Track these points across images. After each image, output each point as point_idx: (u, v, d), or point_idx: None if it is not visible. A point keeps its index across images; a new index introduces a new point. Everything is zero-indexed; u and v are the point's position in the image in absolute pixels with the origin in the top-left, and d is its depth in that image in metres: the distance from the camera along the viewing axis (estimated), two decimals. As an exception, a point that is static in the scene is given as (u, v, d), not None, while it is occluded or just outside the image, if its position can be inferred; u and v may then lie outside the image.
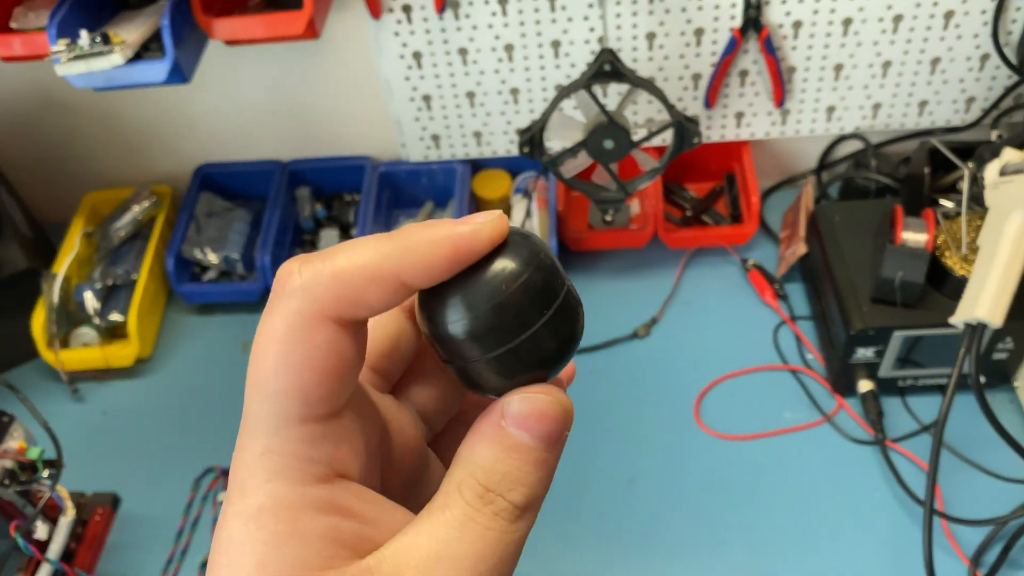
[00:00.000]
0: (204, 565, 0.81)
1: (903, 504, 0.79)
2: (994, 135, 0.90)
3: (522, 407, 0.23)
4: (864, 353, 0.82)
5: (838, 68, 0.94)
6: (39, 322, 0.94)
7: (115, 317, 0.96)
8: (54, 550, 0.75)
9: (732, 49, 0.91)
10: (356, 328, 0.22)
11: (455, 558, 0.21)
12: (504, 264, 0.22)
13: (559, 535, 0.80)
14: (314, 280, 0.21)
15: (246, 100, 1.02)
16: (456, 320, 0.23)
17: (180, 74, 0.79)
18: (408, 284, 0.22)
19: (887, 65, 0.93)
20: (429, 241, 0.22)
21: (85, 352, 0.95)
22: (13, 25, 0.81)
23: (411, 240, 0.22)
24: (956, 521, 0.75)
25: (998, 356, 0.82)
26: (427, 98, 0.98)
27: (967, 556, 0.75)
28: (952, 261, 0.79)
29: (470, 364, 0.23)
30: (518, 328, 0.23)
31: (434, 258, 0.22)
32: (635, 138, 0.85)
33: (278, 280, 0.22)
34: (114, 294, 0.99)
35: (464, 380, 0.24)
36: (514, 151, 1.02)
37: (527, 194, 1.01)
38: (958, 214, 0.81)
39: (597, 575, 0.78)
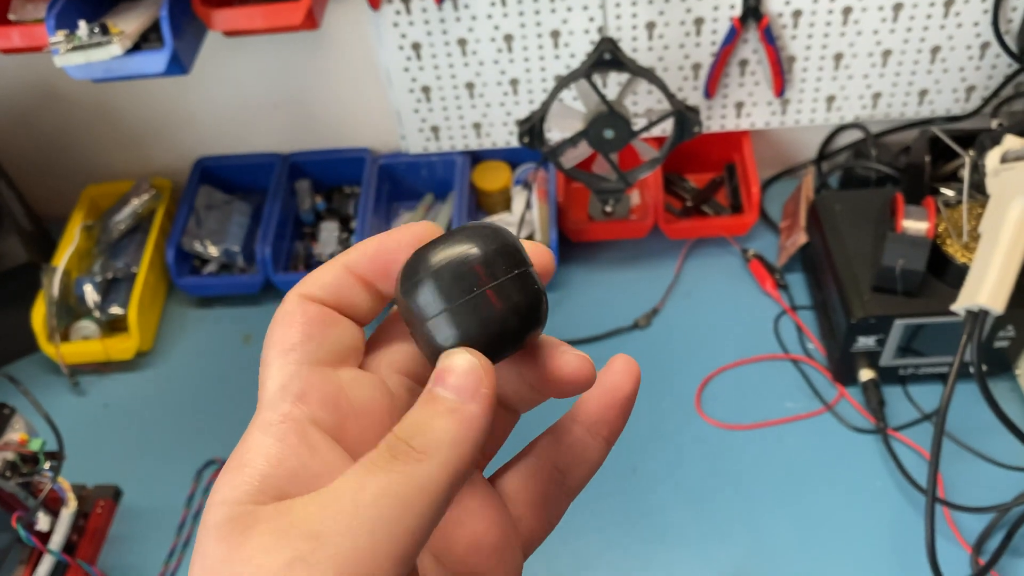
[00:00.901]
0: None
1: (905, 492, 0.79)
2: (994, 124, 0.90)
3: (440, 363, 0.25)
4: (865, 342, 0.82)
5: (838, 57, 0.94)
6: (39, 315, 0.94)
7: (115, 310, 0.96)
8: (56, 541, 0.75)
9: (732, 39, 0.91)
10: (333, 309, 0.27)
11: (339, 490, 0.22)
12: (467, 239, 0.25)
13: (561, 523, 0.80)
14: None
15: (245, 92, 1.02)
16: (414, 278, 0.25)
17: (179, 65, 0.79)
18: (347, 266, 0.27)
19: (887, 54, 0.93)
20: (362, 242, 0.27)
21: (85, 345, 0.95)
22: (11, 17, 0.80)
23: (359, 243, 0.27)
24: (958, 509, 0.76)
25: (999, 344, 0.82)
26: (426, 89, 0.97)
27: (969, 543, 0.75)
28: (953, 249, 0.79)
29: (428, 322, 0.25)
30: (471, 286, 0.25)
31: (362, 252, 0.27)
32: (635, 128, 0.85)
33: None
34: (114, 287, 0.99)
35: (424, 347, 0.26)
36: (514, 142, 1.02)
37: (527, 185, 1.01)
38: (959, 202, 0.81)
39: (599, 563, 0.78)
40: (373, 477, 0.22)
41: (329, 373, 0.25)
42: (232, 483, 0.23)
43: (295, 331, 0.25)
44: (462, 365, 0.24)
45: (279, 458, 0.23)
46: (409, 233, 0.27)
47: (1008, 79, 0.94)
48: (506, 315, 0.25)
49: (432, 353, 0.25)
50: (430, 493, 0.22)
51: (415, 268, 0.25)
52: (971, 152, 0.82)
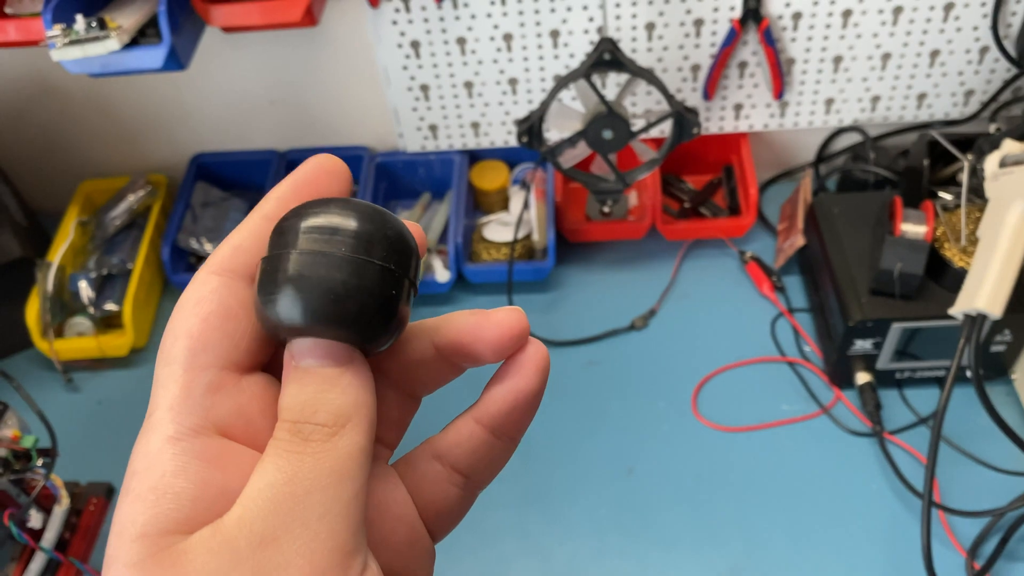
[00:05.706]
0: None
1: (900, 496, 0.79)
2: (992, 128, 0.90)
3: (298, 340, 0.23)
4: (862, 345, 0.82)
5: (837, 60, 0.94)
6: (33, 311, 0.94)
7: (110, 307, 0.96)
8: (48, 539, 0.74)
9: (731, 40, 0.90)
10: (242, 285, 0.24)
11: (266, 490, 0.21)
12: (351, 204, 0.22)
13: (557, 524, 0.80)
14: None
15: (243, 89, 1.01)
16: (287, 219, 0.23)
17: (177, 61, 0.78)
18: (267, 217, 0.24)
19: (886, 57, 0.93)
20: (277, 185, 0.25)
21: (80, 341, 0.94)
22: (8, 10, 0.80)
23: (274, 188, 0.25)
24: (954, 513, 0.75)
25: (996, 348, 0.82)
26: (425, 88, 0.97)
27: (964, 548, 0.75)
28: (951, 253, 0.79)
29: (273, 262, 0.22)
30: (323, 243, 0.22)
31: (279, 196, 0.24)
32: (634, 128, 0.85)
33: None
34: (109, 283, 0.98)
35: (264, 305, 0.22)
36: (512, 142, 1.02)
37: (525, 185, 1.01)
38: (957, 206, 0.81)
39: (594, 565, 0.78)
40: (296, 461, 0.21)
41: (244, 381, 0.23)
42: (150, 512, 0.20)
43: (207, 325, 0.23)
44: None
45: (204, 479, 0.21)
46: (315, 165, 0.24)
47: (1007, 83, 0.94)
48: (345, 283, 0.22)
49: (275, 315, 0.22)
50: (358, 457, 0.22)
51: (286, 227, 0.22)
52: (970, 156, 0.82)
